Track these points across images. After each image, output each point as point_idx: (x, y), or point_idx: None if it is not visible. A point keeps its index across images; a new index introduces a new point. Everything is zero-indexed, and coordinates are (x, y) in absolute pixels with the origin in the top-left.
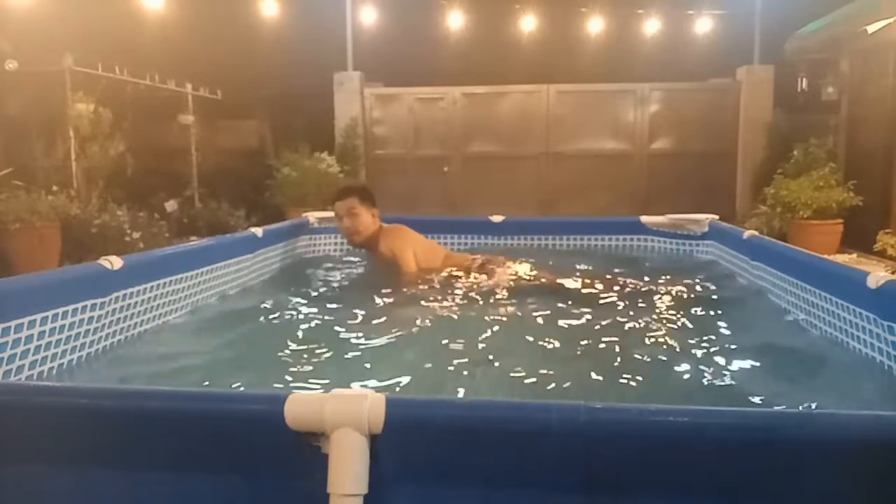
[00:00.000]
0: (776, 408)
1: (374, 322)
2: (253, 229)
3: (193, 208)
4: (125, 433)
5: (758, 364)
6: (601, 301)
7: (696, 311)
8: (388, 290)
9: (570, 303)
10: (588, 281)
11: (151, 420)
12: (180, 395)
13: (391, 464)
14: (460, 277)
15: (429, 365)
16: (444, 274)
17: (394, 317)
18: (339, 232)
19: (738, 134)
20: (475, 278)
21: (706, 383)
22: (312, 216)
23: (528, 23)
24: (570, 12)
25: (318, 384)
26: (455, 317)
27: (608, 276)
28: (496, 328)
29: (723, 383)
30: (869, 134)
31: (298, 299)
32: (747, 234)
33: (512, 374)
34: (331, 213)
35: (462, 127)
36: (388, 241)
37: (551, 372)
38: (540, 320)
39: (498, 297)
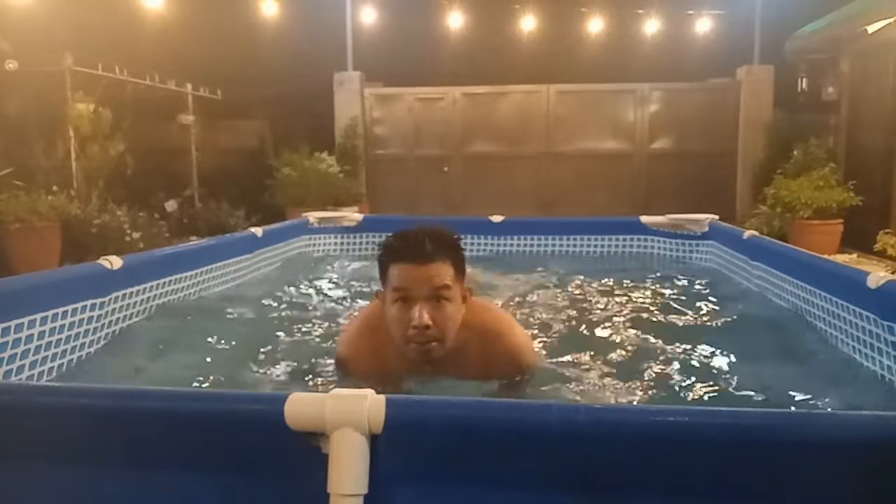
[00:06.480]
0: (776, 408)
1: None
2: (253, 229)
3: (193, 208)
4: (125, 433)
5: (757, 364)
6: (601, 300)
7: (694, 310)
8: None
9: (565, 302)
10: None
11: (151, 420)
12: (180, 395)
13: (391, 464)
14: None
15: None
16: None
17: None
18: (339, 231)
19: (738, 134)
20: None
21: (705, 383)
22: (312, 216)
23: (528, 23)
24: (570, 12)
25: (317, 384)
26: None
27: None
28: None
29: (722, 383)
30: (869, 134)
31: (297, 299)
32: (747, 234)
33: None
34: (330, 213)
35: (462, 127)
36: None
37: (549, 372)
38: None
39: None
